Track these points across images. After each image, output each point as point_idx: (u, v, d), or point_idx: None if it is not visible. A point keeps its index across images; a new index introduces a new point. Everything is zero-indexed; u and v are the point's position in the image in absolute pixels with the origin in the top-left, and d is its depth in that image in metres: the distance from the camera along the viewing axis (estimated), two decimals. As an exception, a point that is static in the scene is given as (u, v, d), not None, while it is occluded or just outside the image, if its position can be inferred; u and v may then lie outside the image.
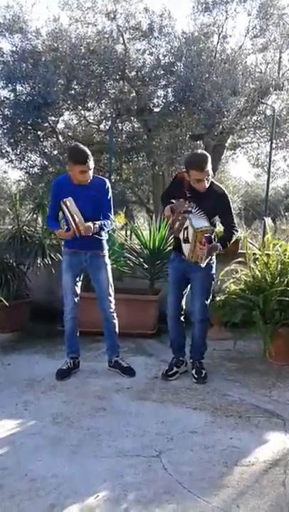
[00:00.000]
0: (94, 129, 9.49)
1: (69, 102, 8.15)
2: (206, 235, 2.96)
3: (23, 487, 2.08)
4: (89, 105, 8.63)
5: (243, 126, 8.97)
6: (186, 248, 3.13)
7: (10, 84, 7.65)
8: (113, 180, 8.48)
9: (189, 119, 7.96)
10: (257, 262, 3.82)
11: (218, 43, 8.29)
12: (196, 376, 3.36)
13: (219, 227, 3.55)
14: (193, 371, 3.40)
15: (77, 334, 3.51)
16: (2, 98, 7.98)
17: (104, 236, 3.41)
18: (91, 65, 7.60)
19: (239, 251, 4.41)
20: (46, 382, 3.30)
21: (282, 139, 8.93)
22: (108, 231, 3.50)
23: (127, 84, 8.31)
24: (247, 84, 7.65)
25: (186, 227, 3.08)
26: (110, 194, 3.34)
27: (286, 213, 7.53)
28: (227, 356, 3.90)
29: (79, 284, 3.45)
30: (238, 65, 7.83)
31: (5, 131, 8.14)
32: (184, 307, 3.48)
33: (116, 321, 3.49)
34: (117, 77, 8.10)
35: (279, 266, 3.73)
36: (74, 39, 7.86)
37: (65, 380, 3.32)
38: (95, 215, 3.22)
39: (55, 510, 1.93)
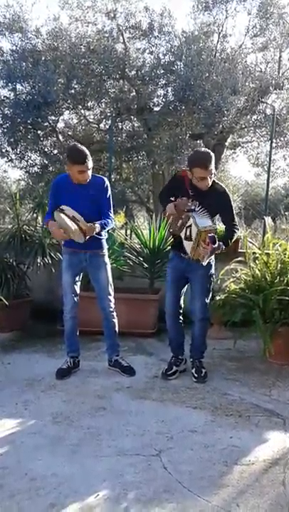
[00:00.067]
0: (94, 128, 9.49)
1: (69, 101, 8.15)
2: (210, 234, 2.96)
3: (23, 486, 2.08)
4: (89, 104, 8.63)
5: (243, 126, 8.97)
6: (188, 246, 3.11)
7: (10, 84, 7.66)
8: (113, 180, 8.49)
9: (189, 118, 7.96)
10: (257, 262, 3.82)
11: (218, 42, 8.28)
12: (196, 375, 3.36)
13: (219, 226, 3.55)
14: (193, 370, 3.40)
15: (77, 333, 3.52)
16: (2, 97, 7.98)
17: (104, 235, 3.41)
18: (91, 64, 7.60)
19: (239, 250, 4.41)
20: (46, 381, 3.30)
21: (282, 138, 8.93)
22: (108, 230, 3.50)
23: (127, 84, 8.31)
24: (247, 84, 7.65)
25: (189, 226, 3.06)
26: (109, 193, 3.34)
27: (286, 212, 7.53)
28: (227, 355, 3.90)
29: (78, 283, 3.45)
30: (238, 64, 7.83)
31: (5, 130, 8.14)
32: (183, 306, 3.48)
33: (116, 320, 3.49)
34: (117, 76, 8.10)
35: (279, 265, 3.73)
36: (74, 38, 7.86)
37: (65, 380, 3.32)
38: (95, 215, 3.22)
39: (55, 510, 1.93)
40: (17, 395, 3.07)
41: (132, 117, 8.77)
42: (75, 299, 3.42)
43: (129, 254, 4.67)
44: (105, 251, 3.41)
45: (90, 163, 3.13)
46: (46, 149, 9.09)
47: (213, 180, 3.14)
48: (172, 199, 3.17)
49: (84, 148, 3.15)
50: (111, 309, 3.45)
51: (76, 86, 7.89)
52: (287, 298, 3.43)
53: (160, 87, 8.18)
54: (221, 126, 7.58)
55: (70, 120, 9.60)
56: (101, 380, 3.33)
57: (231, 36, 8.54)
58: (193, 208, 3.05)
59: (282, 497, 2.03)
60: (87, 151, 3.12)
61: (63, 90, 7.57)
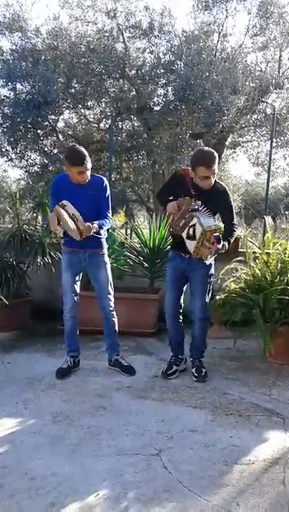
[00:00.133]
0: (94, 127, 9.50)
1: (69, 100, 8.16)
2: (214, 234, 2.95)
3: (23, 486, 2.08)
4: (89, 104, 8.63)
5: (243, 125, 8.98)
6: (190, 245, 3.09)
7: (10, 83, 7.66)
8: (113, 179, 8.49)
9: (189, 118, 7.96)
10: (257, 261, 3.82)
11: (218, 41, 8.29)
12: (196, 375, 3.36)
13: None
14: (193, 370, 3.40)
15: (77, 333, 3.51)
16: (2, 97, 7.98)
17: (104, 235, 3.41)
18: (91, 63, 7.60)
19: (239, 250, 4.41)
20: (46, 380, 3.30)
21: (282, 138, 8.94)
22: (108, 229, 3.50)
23: (127, 83, 8.31)
24: (247, 83, 7.66)
25: (192, 226, 3.04)
26: (108, 192, 3.34)
27: (286, 212, 7.52)
28: (227, 355, 3.90)
29: (78, 283, 3.45)
30: (238, 64, 7.84)
31: (5, 129, 8.15)
32: (183, 305, 3.48)
33: (115, 320, 3.49)
34: (117, 75, 8.11)
35: (279, 265, 3.73)
36: (74, 38, 7.87)
37: (65, 379, 3.32)
38: (94, 214, 3.22)
39: (55, 509, 1.93)
40: (17, 394, 3.07)
41: (132, 117, 8.77)
42: (75, 298, 3.42)
43: (129, 254, 4.67)
44: (105, 250, 3.41)
45: (89, 164, 3.13)
46: (46, 149, 9.10)
47: (215, 180, 3.14)
48: (171, 198, 3.16)
49: (82, 149, 3.15)
50: (111, 309, 3.45)
51: (76, 85, 7.90)
52: (287, 297, 3.43)
53: (160, 86, 8.19)
54: (221, 125, 7.59)
55: (70, 119, 9.61)
56: (101, 380, 3.33)
57: (231, 36, 8.57)
58: (196, 207, 3.04)
59: (282, 496, 2.03)
60: (85, 152, 3.12)
61: (63, 90, 7.57)
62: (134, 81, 8.14)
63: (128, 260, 4.60)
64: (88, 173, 3.16)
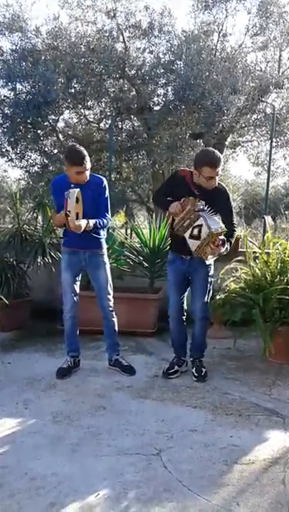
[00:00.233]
0: (94, 127, 9.49)
1: (69, 100, 8.16)
2: (220, 237, 2.95)
3: (23, 486, 2.08)
4: (89, 104, 8.63)
5: (243, 125, 8.97)
6: (192, 244, 3.05)
7: (10, 83, 7.66)
8: (113, 179, 8.49)
9: (189, 118, 7.96)
10: (257, 261, 3.82)
11: (218, 41, 8.29)
12: (196, 374, 3.36)
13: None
14: (193, 369, 3.40)
15: (77, 333, 3.51)
16: (2, 97, 7.98)
17: (103, 235, 3.41)
18: (91, 63, 7.60)
19: (239, 249, 4.41)
20: (46, 380, 3.30)
21: (282, 138, 8.94)
22: (108, 229, 3.50)
23: (127, 83, 8.31)
24: (247, 83, 7.66)
25: (197, 226, 3.00)
26: (107, 192, 3.34)
27: (286, 212, 7.53)
28: (227, 355, 3.90)
29: (78, 282, 3.45)
30: (238, 64, 7.84)
31: (5, 130, 8.15)
32: (186, 308, 3.47)
33: (115, 320, 3.49)
34: (117, 75, 8.10)
35: (279, 264, 3.73)
36: (74, 38, 7.87)
37: (66, 379, 3.32)
38: (93, 214, 3.22)
39: (55, 509, 1.93)
40: (17, 394, 3.07)
41: (132, 117, 8.77)
42: (75, 298, 3.42)
43: (129, 254, 4.67)
44: (104, 250, 3.41)
45: (88, 164, 3.13)
46: (46, 149, 9.10)
47: None
48: (171, 199, 3.14)
49: (82, 149, 3.14)
50: (110, 308, 3.45)
51: (76, 85, 7.90)
52: (287, 297, 3.43)
53: (160, 86, 8.19)
54: (221, 125, 7.59)
55: (70, 119, 9.61)
56: (101, 380, 3.33)
57: (231, 35, 8.60)
58: (202, 207, 3.03)
59: (282, 496, 2.03)
60: (85, 152, 3.11)
61: (63, 90, 7.57)
62: (134, 81, 8.14)
63: (128, 260, 4.60)
64: (87, 173, 3.16)
